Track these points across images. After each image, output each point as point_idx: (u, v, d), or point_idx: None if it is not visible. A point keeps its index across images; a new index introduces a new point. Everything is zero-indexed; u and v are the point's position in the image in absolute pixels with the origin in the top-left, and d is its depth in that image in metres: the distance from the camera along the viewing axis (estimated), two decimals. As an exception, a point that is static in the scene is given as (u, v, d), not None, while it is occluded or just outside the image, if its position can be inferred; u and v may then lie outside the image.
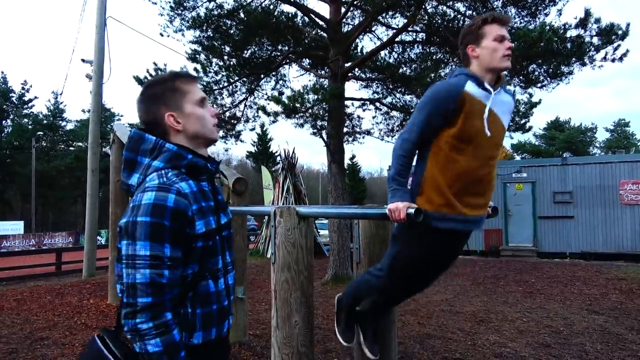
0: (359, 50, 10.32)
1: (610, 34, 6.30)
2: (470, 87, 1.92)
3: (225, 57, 9.39)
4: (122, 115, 44.80)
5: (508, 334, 4.93)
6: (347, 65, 8.60)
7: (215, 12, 7.83)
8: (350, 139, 10.73)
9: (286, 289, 2.55)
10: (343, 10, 8.44)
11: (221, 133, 9.50)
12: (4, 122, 40.24)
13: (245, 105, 9.65)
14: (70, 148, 42.50)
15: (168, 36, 8.57)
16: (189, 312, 1.25)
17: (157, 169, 1.26)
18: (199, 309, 1.26)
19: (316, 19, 8.37)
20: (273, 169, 16.28)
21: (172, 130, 1.32)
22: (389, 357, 2.77)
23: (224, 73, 9.26)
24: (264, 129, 43.62)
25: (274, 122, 7.91)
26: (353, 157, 44.82)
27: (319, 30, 8.81)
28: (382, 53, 9.81)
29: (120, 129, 6.66)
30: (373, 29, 9.76)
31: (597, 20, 6.40)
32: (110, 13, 18.71)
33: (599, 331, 5.04)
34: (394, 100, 10.42)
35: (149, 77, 8.65)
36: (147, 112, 1.33)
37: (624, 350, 4.38)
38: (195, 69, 8.87)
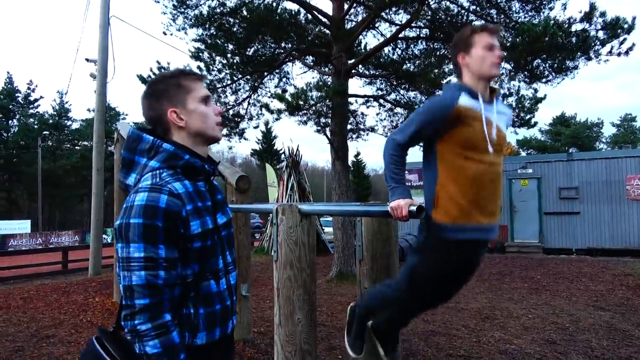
0: (362, 47, 10.29)
1: (616, 28, 6.24)
2: (464, 100, 1.98)
3: (229, 55, 9.38)
4: (127, 114, 45.02)
5: (513, 331, 4.91)
6: (350, 62, 8.58)
7: (218, 10, 7.82)
8: (354, 136, 10.71)
9: (289, 287, 2.55)
10: (346, 6, 8.41)
11: (225, 131, 9.51)
12: (10, 121, 40.48)
13: (249, 103, 9.65)
14: (76, 147, 42.72)
15: (171, 34, 8.58)
16: (192, 312, 1.24)
17: (152, 169, 1.26)
18: (201, 309, 1.26)
19: (319, 15, 8.35)
20: (277, 166, 16.27)
21: (174, 126, 1.32)
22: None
23: (227, 71, 9.26)
24: (269, 127, 43.61)
25: (277, 119, 7.92)
26: (358, 154, 44.73)
27: (322, 27, 8.77)
28: (386, 49, 9.77)
29: (124, 128, 6.68)
30: (376, 25, 9.72)
31: (602, 14, 6.34)
32: (113, 12, 18.74)
33: (605, 327, 5.01)
34: (397, 97, 10.38)
35: (153, 76, 8.66)
36: (151, 108, 1.33)
37: (630, 346, 4.35)
38: (199, 67, 8.87)
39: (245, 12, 8.60)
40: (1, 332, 5.06)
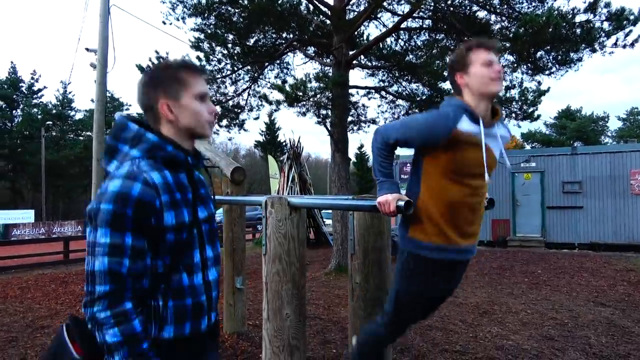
0: (365, 37, 10.17)
1: (621, 19, 6.10)
2: (464, 124, 1.89)
3: (229, 46, 9.29)
4: (130, 105, 44.97)
5: (511, 326, 4.85)
6: (351, 53, 8.47)
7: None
8: (355, 127, 10.61)
9: (277, 281, 2.50)
10: (347, -4, 8.29)
11: (225, 122, 9.45)
12: (14, 112, 40.55)
13: (249, 94, 9.56)
14: (80, 137, 42.77)
15: (170, 24, 8.49)
16: (160, 304, 1.20)
17: (133, 157, 1.23)
18: (171, 302, 1.22)
19: (320, 5, 8.23)
20: (280, 158, 16.20)
21: (164, 118, 1.29)
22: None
23: (228, 61, 9.16)
24: (272, 118, 43.54)
25: (276, 110, 7.84)
26: (361, 146, 44.53)
27: (322, 18, 8.66)
28: (389, 41, 9.65)
29: (122, 118, 6.63)
30: (378, 15, 9.59)
31: (607, 5, 6.19)
32: (114, 1, 18.63)
33: (604, 324, 4.95)
34: (399, 89, 10.27)
35: (151, 66, 8.58)
36: (145, 96, 1.29)
37: (629, 343, 4.28)
38: (198, 58, 8.79)
39: (245, 1, 8.51)
40: (-4, 322, 5.05)
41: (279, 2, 8.92)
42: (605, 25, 6.17)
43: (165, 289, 1.21)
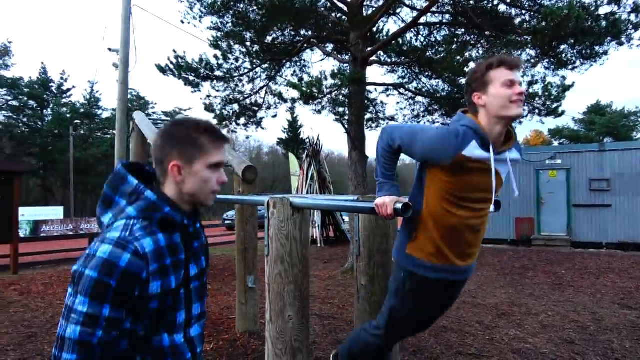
0: (385, 33, 10.04)
1: (649, 11, 5.84)
2: (472, 150, 1.77)
3: (248, 44, 9.31)
4: (155, 104, 45.82)
5: (530, 329, 4.71)
6: (369, 49, 8.37)
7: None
8: (373, 125, 10.50)
9: (279, 282, 2.47)
10: (365, -8, 8.18)
11: (243, 120, 9.48)
12: (44, 111, 41.72)
13: (266, 92, 9.56)
14: (107, 136, 43.71)
15: (189, 23, 8.55)
16: None
17: (128, 216, 1.18)
18: None
19: (336, 1, 8.15)
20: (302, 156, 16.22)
21: (171, 179, 1.24)
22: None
23: (246, 59, 9.18)
24: (295, 116, 43.62)
25: (291, 108, 7.81)
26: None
27: (339, 14, 8.58)
28: (408, 36, 9.50)
29: (140, 117, 6.71)
30: (397, 11, 9.46)
31: (633, -4, 5.93)
32: (135, 2, 18.93)
33: (629, 327, 4.76)
34: (419, 85, 10.11)
35: (170, 66, 8.67)
36: (160, 149, 1.24)
37: (654, 349, 4.11)
38: (215, 56, 8.83)
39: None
40: (18, 317, 5.19)
41: (297, -1, 8.89)
42: (633, 17, 5.92)
43: (145, 351, 1.18)
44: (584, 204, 12.78)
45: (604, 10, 5.93)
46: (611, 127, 40.67)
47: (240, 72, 9.09)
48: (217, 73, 8.67)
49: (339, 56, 9.37)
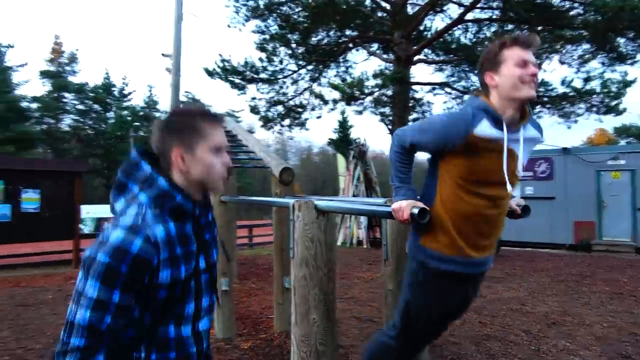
0: (433, 31, 9.81)
1: None
2: (484, 129, 1.70)
3: (293, 45, 9.40)
4: (210, 106, 47.25)
5: (582, 340, 4.43)
6: (414, 48, 8.21)
7: (274, 0, 7.82)
8: (419, 125, 10.28)
9: (304, 286, 2.45)
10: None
11: (287, 121, 9.58)
12: (107, 114, 44.17)
13: (310, 93, 9.61)
14: (165, 137, 45.65)
15: (235, 27, 8.74)
16: (142, 356, 1.18)
17: (140, 204, 1.20)
18: (153, 354, 1.19)
19: (380, 1, 8.06)
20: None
21: (176, 168, 1.26)
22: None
23: (290, 61, 9.27)
24: (345, 116, 43.65)
25: (332, 109, 7.80)
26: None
27: (383, 13, 8.47)
28: (456, 33, 9.24)
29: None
30: (444, 7, 9.22)
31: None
32: (186, 8, 19.61)
33: (695, 344, 4.37)
34: (468, 84, 9.80)
35: (217, 69, 8.91)
36: (160, 141, 1.27)
37: None
38: (260, 59, 8.98)
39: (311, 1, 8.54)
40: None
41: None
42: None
43: (149, 341, 1.19)
44: (651, 207, 11.90)
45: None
46: (685, 125, 37.55)
47: (284, 74, 9.20)
48: (262, 75, 8.81)
49: (384, 56, 9.25)
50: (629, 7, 4.77)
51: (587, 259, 10.44)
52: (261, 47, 9.44)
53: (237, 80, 8.87)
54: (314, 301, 2.44)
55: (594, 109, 7.40)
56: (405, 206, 1.76)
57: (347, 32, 9.54)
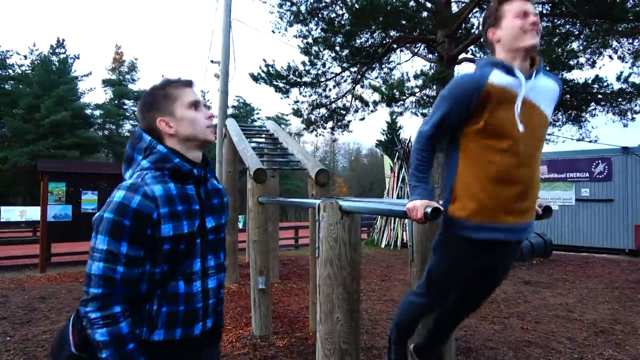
0: (477, 29, 9.59)
1: None
2: (497, 77, 1.70)
3: (337, 48, 9.48)
4: (260, 109, 48.32)
5: (632, 351, 4.20)
6: (460, 46, 8.05)
7: (316, 5, 7.92)
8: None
9: (328, 284, 2.51)
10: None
11: (330, 124, 9.67)
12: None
13: (353, 96, 9.65)
14: (216, 141, 47.04)
15: (279, 32, 8.93)
16: (154, 309, 1.29)
17: (142, 168, 1.34)
18: (164, 307, 1.30)
19: (423, 0, 7.98)
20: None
21: (165, 134, 1.38)
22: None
23: (333, 64, 9.36)
24: (394, 117, 43.27)
25: (373, 111, 7.79)
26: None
27: (426, 12, 8.37)
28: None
29: (231, 124, 7.17)
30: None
31: None
32: (234, 15, 20.15)
33: None
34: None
35: (262, 74, 9.14)
36: (144, 119, 1.41)
37: None
38: (303, 62, 9.11)
39: (353, 2, 8.58)
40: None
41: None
42: None
43: (161, 295, 1.30)
44: None
45: None
46: None
47: (327, 77, 9.28)
48: (305, 79, 8.94)
49: (429, 56, 9.14)
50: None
51: (649, 265, 9.80)
52: (306, 51, 9.59)
53: (280, 84, 9.05)
54: (338, 300, 2.49)
55: (557, 96, 6.96)
56: (419, 206, 1.78)
57: (392, 33, 9.50)
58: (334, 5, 8.18)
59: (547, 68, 9.10)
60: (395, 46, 9.51)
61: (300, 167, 5.03)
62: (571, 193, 12.40)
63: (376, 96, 7.03)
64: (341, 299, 2.50)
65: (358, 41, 9.61)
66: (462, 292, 2.10)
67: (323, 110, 9.62)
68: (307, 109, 9.56)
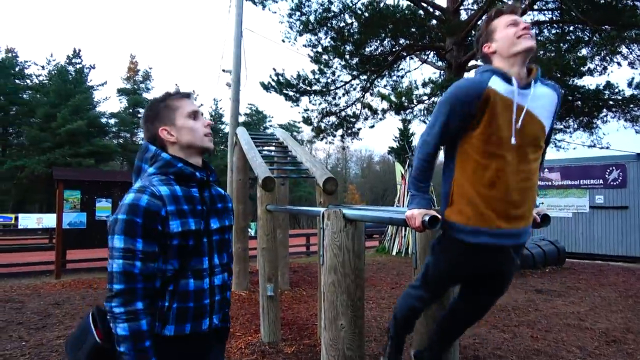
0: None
1: None
2: (496, 83, 1.74)
3: (347, 57, 9.56)
4: (272, 117, 48.66)
5: (643, 360, 4.16)
6: (469, 54, 8.07)
7: (325, 15, 8.02)
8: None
9: (332, 292, 2.55)
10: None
11: (340, 132, 9.73)
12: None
13: (362, 104, 9.71)
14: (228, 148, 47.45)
15: (289, 41, 9.05)
16: (166, 305, 1.38)
17: (149, 174, 1.45)
18: (175, 303, 1.39)
19: (430, 8, 8.02)
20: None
21: (167, 142, 1.50)
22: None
23: (342, 72, 9.43)
24: (406, 125, 43.26)
25: (381, 119, 7.84)
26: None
27: (434, 20, 8.42)
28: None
29: (241, 133, 7.27)
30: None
31: None
32: (246, 25, 20.40)
33: None
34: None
35: (272, 83, 9.24)
36: (148, 131, 1.52)
37: None
38: (313, 71, 9.21)
39: (361, 11, 8.66)
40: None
41: (399, 7, 8.90)
42: None
43: (173, 292, 1.39)
44: None
45: None
46: None
47: (336, 85, 9.36)
48: (315, 87, 9.03)
49: (436, 63, 9.17)
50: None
51: (666, 273, 9.63)
52: (315, 60, 9.69)
53: (290, 93, 9.16)
54: (342, 307, 2.53)
55: (557, 106, 6.89)
56: (417, 214, 1.82)
57: (401, 41, 9.56)
58: (343, 15, 8.26)
59: (547, 77, 9.11)
60: (404, 54, 9.57)
61: (308, 176, 5.09)
62: (585, 200, 12.26)
63: (385, 104, 7.07)
64: (345, 306, 2.53)
65: (367, 49, 9.69)
66: (464, 300, 2.13)
67: (333, 118, 9.71)
68: (317, 117, 9.66)
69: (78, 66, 38.71)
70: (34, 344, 4.45)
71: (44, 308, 6.01)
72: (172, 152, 1.48)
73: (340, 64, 9.72)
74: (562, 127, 9.37)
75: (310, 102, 9.48)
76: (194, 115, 1.51)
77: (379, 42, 9.65)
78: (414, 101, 6.65)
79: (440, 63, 9.63)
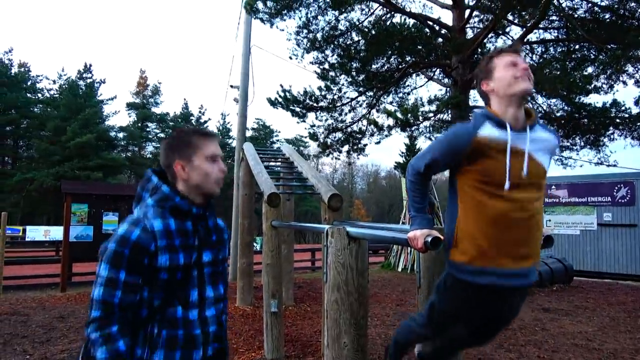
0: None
1: None
2: (487, 130, 1.77)
3: (354, 73, 9.65)
4: (279, 131, 48.91)
5: (652, 382, 4.09)
6: (473, 72, 8.13)
7: (332, 32, 8.13)
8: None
9: (336, 309, 2.55)
10: (467, 13, 8.02)
11: (346, 147, 9.77)
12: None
13: (368, 120, 9.77)
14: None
15: (297, 58, 9.15)
16: (155, 332, 1.40)
17: (147, 205, 1.48)
18: (164, 331, 1.40)
19: (436, 26, 8.11)
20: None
21: (179, 177, 1.52)
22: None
23: (349, 89, 9.51)
24: (413, 140, 43.31)
25: (387, 136, 7.87)
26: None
27: (441, 39, 8.50)
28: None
29: (248, 148, 7.32)
30: (507, 30, 9.07)
31: None
32: (254, 42, 20.68)
33: None
34: (534, 106, 9.48)
35: (279, 99, 9.33)
36: (166, 157, 1.54)
37: None
38: (319, 88, 9.29)
39: (368, 30, 8.78)
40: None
41: (405, 25, 9.01)
42: None
43: (160, 320, 1.40)
44: None
45: None
46: None
47: (343, 102, 9.44)
48: (321, 104, 9.11)
49: (443, 80, 9.24)
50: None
51: (676, 293, 9.48)
52: (322, 76, 9.78)
53: (297, 109, 9.24)
54: (345, 325, 2.53)
55: (555, 149, 6.88)
56: (419, 235, 1.83)
57: (407, 58, 9.64)
58: (349, 33, 8.37)
59: (546, 123, 9.12)
60: (411, 71, 9.64)
61: (314, 192, 5.11)
62: (593, 217, 12.15)
63: (391, 120, 7.11)
64: (348, 324, 2.53)
65: (374, 66, 9.78)
66: (467, 331, 2.12)
67: (339, 134, 9.76)
68: (323, 132, 9.72)
69: (89, 80, 39.29)
70: (38, 357, 4.46)
71: (48, 321, 6.03)
72: (180, 187, 1.51)
73: (346, 80, 9.81)
74: (568, 144, 9.35)
75: (316, 118, 9.57)
76: (213, 158, 1.52)
77: (385, 59, 9.74)
78: (420, 118, 6.69)
79: (446, 80, 9.68)
